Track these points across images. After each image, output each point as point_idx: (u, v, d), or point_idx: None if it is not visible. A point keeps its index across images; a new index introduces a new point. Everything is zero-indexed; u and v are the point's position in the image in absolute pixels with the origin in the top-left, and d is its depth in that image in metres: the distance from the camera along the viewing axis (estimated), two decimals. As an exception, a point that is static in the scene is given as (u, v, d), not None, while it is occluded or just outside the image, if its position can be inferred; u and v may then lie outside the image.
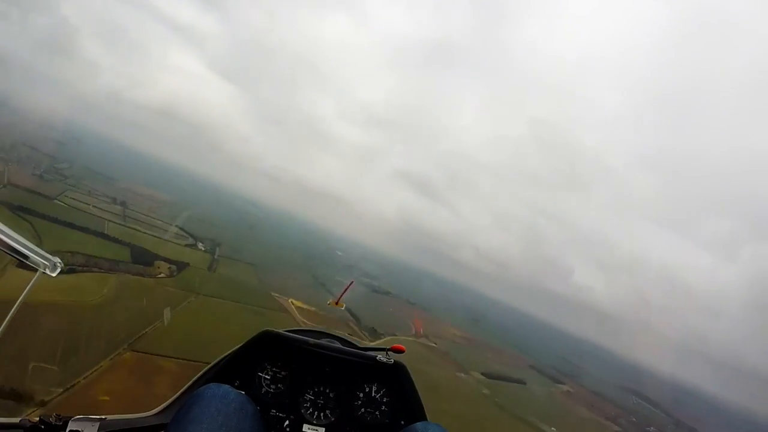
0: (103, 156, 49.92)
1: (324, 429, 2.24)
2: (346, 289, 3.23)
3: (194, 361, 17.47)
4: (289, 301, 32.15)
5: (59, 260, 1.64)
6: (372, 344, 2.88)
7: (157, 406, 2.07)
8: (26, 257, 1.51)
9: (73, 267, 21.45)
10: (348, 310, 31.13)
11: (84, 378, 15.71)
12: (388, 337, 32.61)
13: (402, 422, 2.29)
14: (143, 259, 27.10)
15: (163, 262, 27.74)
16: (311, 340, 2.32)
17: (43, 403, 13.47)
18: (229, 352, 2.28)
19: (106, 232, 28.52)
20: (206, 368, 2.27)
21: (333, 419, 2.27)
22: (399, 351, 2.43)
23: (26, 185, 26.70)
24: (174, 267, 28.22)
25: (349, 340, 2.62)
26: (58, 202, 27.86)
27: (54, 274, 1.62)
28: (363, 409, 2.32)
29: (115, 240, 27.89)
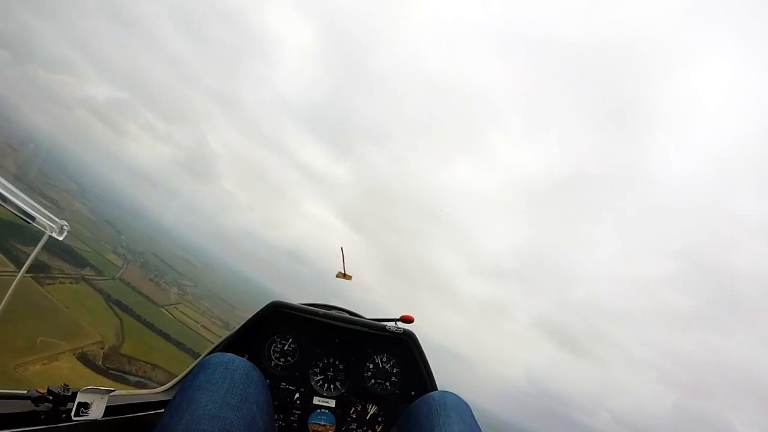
0: (228, 284, 51.18)
1: (334, 401, 2.16)
2: (342, 257, 2.59)
3: None
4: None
5: (66, 223, 1.45)
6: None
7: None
8: (33, 218, 1.40)
9: (148, 382, 16.99)
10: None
11: None
12: None
13: (413, 393, 2.20)
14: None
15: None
16: (320, 310, 2.22)
17: None
18: (238, 326, 2.15)
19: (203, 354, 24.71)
20: (215, 344, 2.16)
21: (343, 391, 2.19)
22: (408, 321, 2.31)
23: (137, 285, 25.10)
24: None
25: (356, 312, 2.42)
26: (164, 311, 25.55)
27: (61, 238, 1.45)
28: (373, 381, 2.22)
29: (211, 364, 23.60)
